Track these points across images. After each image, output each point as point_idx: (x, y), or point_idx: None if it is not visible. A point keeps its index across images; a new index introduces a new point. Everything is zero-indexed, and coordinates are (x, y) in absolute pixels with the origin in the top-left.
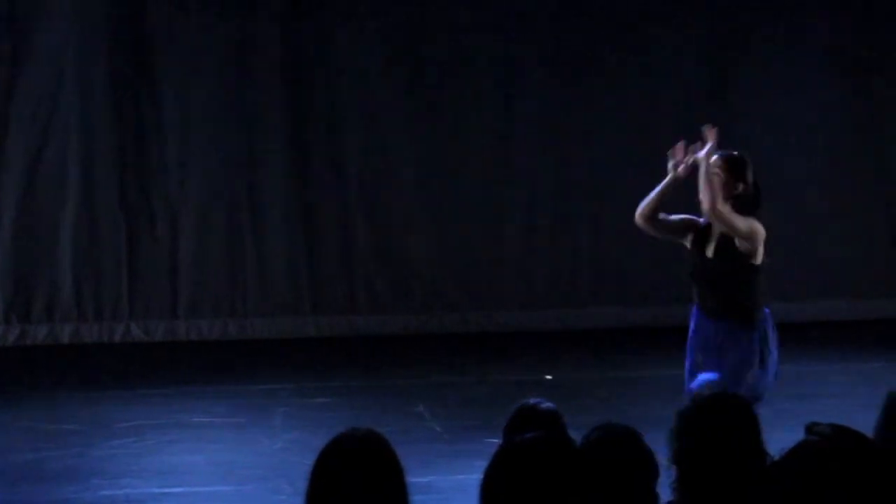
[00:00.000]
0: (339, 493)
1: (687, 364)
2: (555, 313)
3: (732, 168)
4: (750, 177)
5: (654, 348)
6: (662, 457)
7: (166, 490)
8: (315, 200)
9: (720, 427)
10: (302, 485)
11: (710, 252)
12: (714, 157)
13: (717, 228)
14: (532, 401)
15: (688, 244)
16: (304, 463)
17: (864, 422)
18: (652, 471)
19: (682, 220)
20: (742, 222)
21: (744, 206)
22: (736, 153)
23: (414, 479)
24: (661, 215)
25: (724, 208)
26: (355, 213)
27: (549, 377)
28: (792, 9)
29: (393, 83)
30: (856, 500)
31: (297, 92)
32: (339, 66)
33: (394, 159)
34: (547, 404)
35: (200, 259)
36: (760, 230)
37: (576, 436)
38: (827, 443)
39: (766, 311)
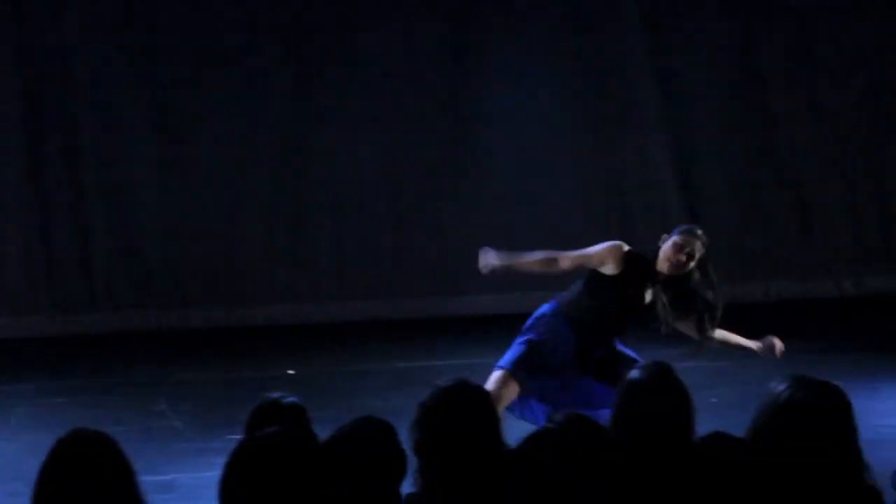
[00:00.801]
0: (63, 495)
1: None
2: (296, 308)
3: None
4: None
5: (395, 341)
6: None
7: None
8: (51, 199)
9: (459, 418)
10: None
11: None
12: None
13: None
14: (274, 395)
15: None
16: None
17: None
18: (401, 466)
19: None
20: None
21: None
22: None
23: (156, 477)
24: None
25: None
26: (93, 211)
27: (291, 372)
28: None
29: (127, 83)
30: (588, 487)
31: (30, 89)
32: (76, 63)
33: (132, 156)
34: (290, 399)
35: None
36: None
37: (323, 431)
38: (560, 431)
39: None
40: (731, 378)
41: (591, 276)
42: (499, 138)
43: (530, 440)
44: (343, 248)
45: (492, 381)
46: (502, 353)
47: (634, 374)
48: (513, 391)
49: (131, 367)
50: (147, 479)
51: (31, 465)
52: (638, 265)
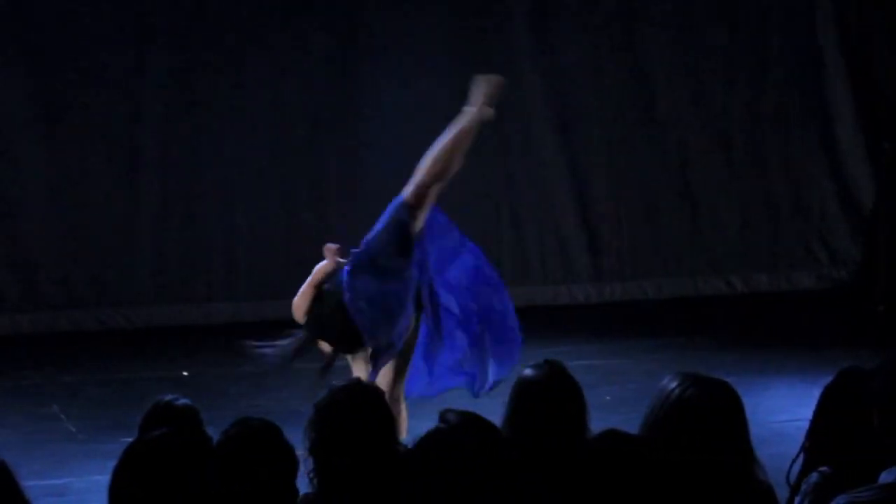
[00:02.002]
0: None
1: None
2: (188, 308)
3: None
4: None
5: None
6: (302, 450)
7: None
8: None
9: (353, 418)
10: None
11: None
12: None
13: None
14: (167, 397)
15: None
16: None
17: (491, 409)
18: (290, 465)
19: None
20: None
21: None
22: None
23: (49, 480)
24: None
25: None
26: None
27: (185, 373)
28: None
29: (17, 84)
30: (480, 486)
31: None
32: None
33: (20, 158)
34: (182, 400)
35: None
36: None
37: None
38: (453, 431)
39: None
40: (624, 376)
41: None
42: (386, 136)
43: (424, 440)
44: (234, 248)
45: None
46: None
47: (528, 372)
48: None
49: (22, 370)
50: (39, 484)
51: None
52: None
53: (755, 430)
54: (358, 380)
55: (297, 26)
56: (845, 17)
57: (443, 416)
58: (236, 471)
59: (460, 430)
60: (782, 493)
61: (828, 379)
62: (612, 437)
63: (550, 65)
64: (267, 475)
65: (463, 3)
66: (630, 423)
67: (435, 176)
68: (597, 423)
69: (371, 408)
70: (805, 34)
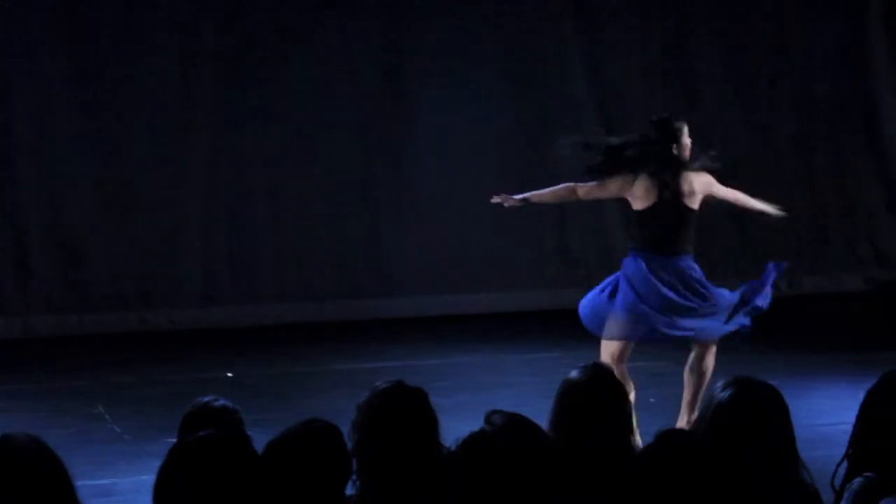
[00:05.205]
0: None
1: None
2: (234, 309)
3: None
4: None
5: (332, 343)
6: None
7: None
8: None
9: (396, 419)
10: None
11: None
12: None
13: None
14: (206, 398)
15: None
16: None
17: (540, 411)
18: (345, 468)
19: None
20: None
21: None
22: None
23: (95, 481)
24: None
25: None
26: (30, 213)
27: (230, 374)
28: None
29: (63, 83)
30: (525, 489)
31: None
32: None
33: (69, 156)
34: (221, 401)
35: None
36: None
37: (262, 433)
38: (498, 433)
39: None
40: (668, 378)
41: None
42: (431, 142)
43: (468, 442)
44: (280, 250)
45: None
46: (438, 353)
47: (573, 374)
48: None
49: (68, 370)
50: (85, 484)
51: None
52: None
53: (801, 433)
54: (400, 381)
55: (347, 28)
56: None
57: (488, 418)
58: (293, 471)
59: (503, 432)
60: (828, 496)
61: (873, 382)
62: (673, 436)
63: (596, 74)
64: (324, 477)
65: (509, 15)
66: (673, 424)
67: None
68: (642, 425)
69: (413, 409)
70: (852, 30)
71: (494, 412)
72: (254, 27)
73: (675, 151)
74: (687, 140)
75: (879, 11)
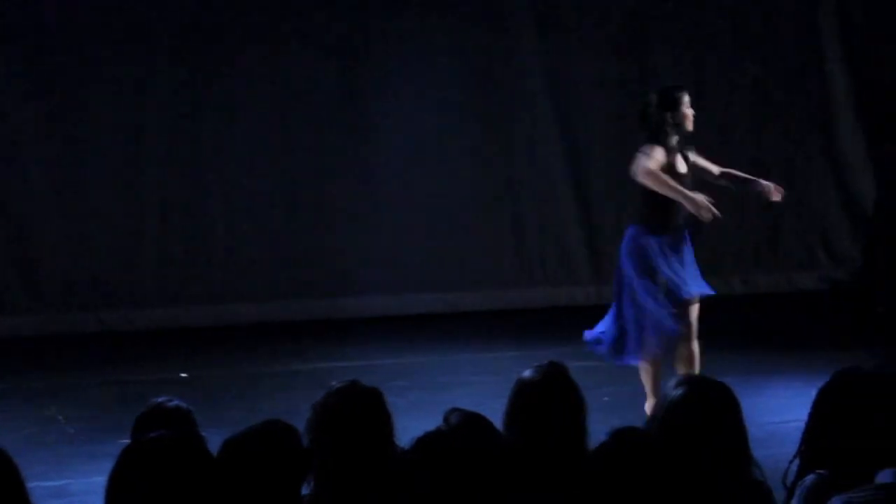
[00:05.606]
0: None
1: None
2: (189, 310)
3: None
4: None
5: (288, 343)
6: None
7: None
8: None
9: (351, 418)
10: None
11: None
12: None
13: None
14: (159, 399)
15: None
16: None
17: (496, 410)
18: (303, 467)
19: None
20: None
21: None
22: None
23: (48, 482)
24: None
25: None
26: None
27: (184, 375)
28: (418, 6)
29: (21, 86)
30: (480, 488)
31: None
32: None
33: (23, 156)
34: (175, 402)
35: None
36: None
37: (219, 434)
38: (453, 432)
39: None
40: (623, 377)
41: None
42: (392, 139)
43: (423, 441)
44: (236, 250)
45: None
46: (394, 353)
47: (527, 374)
48: None
49: (21, 371)
50: (38, 486)
51: None
52: None
53: (753, 430)
54: (355, 381)
55: (304, 26)
56: (848, 20)
57: (446, 417)
58: (250, 471)
59: (458, 431)
60: (780, 493)
61: (826, 380)
62: (627, 435)
63: (554, 71)
64: (282, 476)
65: (470, 14)
66: (627, 423)
67: None
68: (595, 425)
69: (368, 408)
70: (807, 35)
71: (453, 410)
72: (211, 27)
73: (670, 119)
74: (688, 110)
75: (833, 22)
